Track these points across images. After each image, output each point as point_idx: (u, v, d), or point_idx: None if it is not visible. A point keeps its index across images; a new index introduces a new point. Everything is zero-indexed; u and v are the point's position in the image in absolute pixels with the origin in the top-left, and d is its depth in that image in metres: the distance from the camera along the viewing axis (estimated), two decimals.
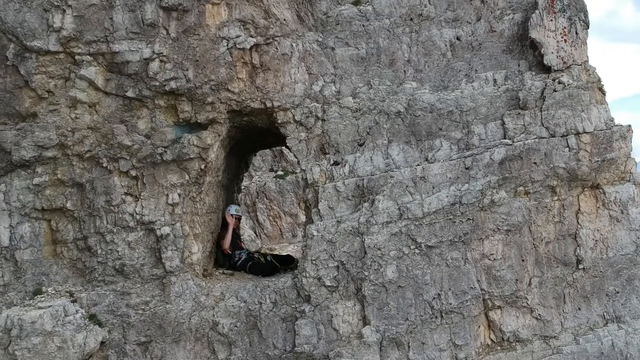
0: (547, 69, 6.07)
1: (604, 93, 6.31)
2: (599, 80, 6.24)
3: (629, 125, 6.20)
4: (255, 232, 12.47)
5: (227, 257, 6.52)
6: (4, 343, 4.83)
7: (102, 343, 5.21)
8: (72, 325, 5.00)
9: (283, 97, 5.80)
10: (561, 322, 5.83)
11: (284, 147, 12.60)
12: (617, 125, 6.11)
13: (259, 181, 12.88)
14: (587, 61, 6.20)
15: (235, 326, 5.46)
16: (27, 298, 5.24)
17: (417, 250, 5.54)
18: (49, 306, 4.98)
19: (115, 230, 5.43)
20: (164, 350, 5.38)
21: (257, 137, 6.68)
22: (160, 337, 5.37)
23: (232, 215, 6.74)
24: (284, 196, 13.05)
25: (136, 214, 5.45)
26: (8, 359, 4.79)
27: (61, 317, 4.98)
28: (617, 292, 5.98)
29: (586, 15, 6.20)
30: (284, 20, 5.90)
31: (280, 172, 13.24)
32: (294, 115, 5.82)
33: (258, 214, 12.96)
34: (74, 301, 5.23)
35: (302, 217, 12.05)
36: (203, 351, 5.46)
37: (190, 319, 5.44)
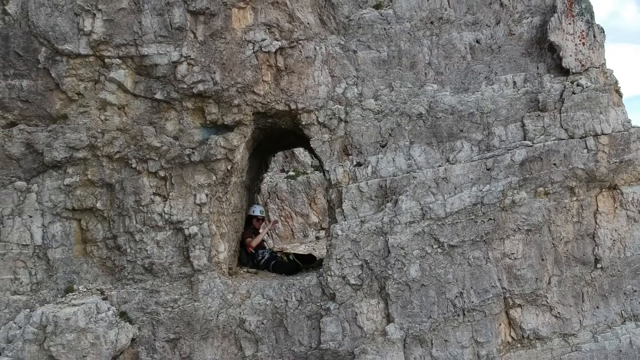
0: (565, 72, 6.18)
1: (620, 95, 6.42)
2: (616, 82, 6.36)
3: None
4: (267, 232, 12.59)
5: (251, 256, 6.65)
6: (39, 339, 4.96)
7: (132, 340, 5.33)
8: (105, 322, 5.12)
9: (307, 100, 5.92)
10: (580, 320, 5.94)
11: (295, 148, 12.81)
12: (634, 127, 6.21)
13: (270, 182, 13.05)
14: (604, 64, 6.31)
15: (262, 323, 5.58)
16: (59, 296, 5.36)
17: (439, 250, 5.66)
18: (82, 303, 5.10)
19: (144, 230, 5.55)
20: (192, 347, 5.50)
21: (278, 138, 6.81)
22: (189, 334, 5.50)
23: (256, 216, 6.88)
24: (295, 196, 13.24)
25: (165, 213, 5.57)
26: (43, 355, 4.91)
27: (94, 314, 5.10)
28: (635, 291, 6.09)
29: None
30: (308, 24, 6.02)
31: (291, 173, 13.43)
32: (317, 117, 5.94)
33: (270, 214, 13.11)
34: (104, 299, 5.35)
35: (314, 218, 12.23)
36: (230, 348, 5.59)
37: (217, 316, 5.56)
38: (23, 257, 5.38)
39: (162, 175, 5.59)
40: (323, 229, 12.01)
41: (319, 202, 12.41)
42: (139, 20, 5.49)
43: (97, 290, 5.45)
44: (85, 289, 5.43)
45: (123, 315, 5.39)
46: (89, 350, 5.03)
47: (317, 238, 12.00)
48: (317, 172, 13.30)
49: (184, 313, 5.50)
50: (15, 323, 5.11)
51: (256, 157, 7.05)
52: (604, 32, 6.33)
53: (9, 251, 5.32)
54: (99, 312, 5.17)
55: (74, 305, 5.09)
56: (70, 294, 5.36)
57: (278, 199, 12.75)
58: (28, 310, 5.19)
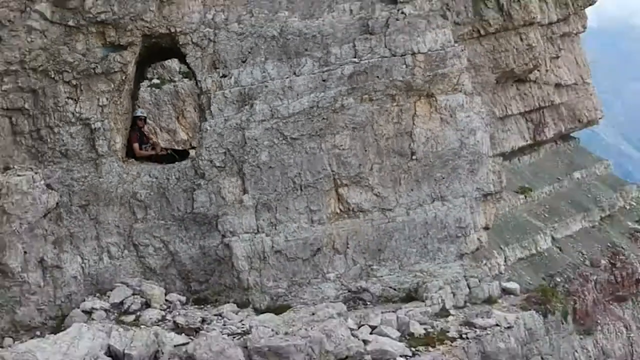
0: (394, 1, 16.92)
1: (446, 18, 17.24)
2: (445, 5, 17.11)
3: (463, 46, 17.19)
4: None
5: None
6: None
7: (57, 204, 16.34)
8: (39, 189, 16.15)
9: (184, 24, 16.79)
10: (397, 199, 17.06)
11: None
12: (452, 47, 17.07)
13: None
14: None
15: (150, 195, 16.68)
16: (1, 173, 16.32)
17: (284, 141, 16.66)
18: (24, 174, 16.08)
19: (60, 125, 16.52)
20: (98, 211, 16.62)
21: (158, 53, 17.73)
22: (95, 201, 16.60)
23: (139, 116, 17.97)
24: (161, 109, 24.55)
25: (76, 112, 16.52)
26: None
27: (32, 183, 16.10)
28: (443, 178, 17.21)
29: None
30: None
31: (155, 81, 24.52)
32: (192, 38, 16.82)
33: None
34: (35, 174, 16.32)
35: (182, 134, 23.57)
36: (126, 213, 16.71)
37: (116, 189, 16.66)
38: None
39: (74, 83, 16.50)
40: (193, 147, 22.69)
41: (188, 115, 23.69)
42: None
43: (29, 168, 16.40)
44: (19, 168, 16.39)
45: (48, 186, 16.39)
46: (29, 207, 16.11)
47: None
48: (186, 79, 24.23)
49: (91, 186, 16.59)
50: None
51: (138, 69, 17.98)
52: None
53: None
54: (35, 182, 16.16)
55: (19, 175, 16.07)
56: (9, 170, 16.32)
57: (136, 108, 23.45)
58: None
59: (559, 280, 23.81)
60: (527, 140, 27.15)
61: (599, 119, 32.35)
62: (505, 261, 21.60)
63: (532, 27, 24.31)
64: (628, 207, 31.30)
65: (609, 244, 27.09)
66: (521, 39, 23.98)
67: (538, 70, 25.86)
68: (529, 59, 24.24)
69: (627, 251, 27.25)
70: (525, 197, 25.69)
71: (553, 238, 25.20)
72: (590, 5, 29.50)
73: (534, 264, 23.84)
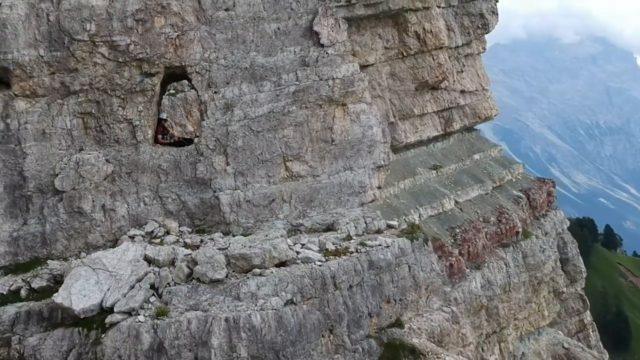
0: (322, 45, 27.21)
1: (355, 55, 27.62)
2: (351, 49, 27.53)
3: (365, 74, 27.51)
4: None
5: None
6: (74, 167, 26.27)
7: (112, 171, 26.71)
8: (101, 162, 26.67)
9: (191, 60, 27.15)
10: (322, 169, 27.57)
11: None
12: (358, 74, 27.50)
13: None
14: (345, 40, 27.45)
15: (169, 166, 27.06)
16: (78, 151, 26.66)
17: (252, 133, 27.05)
18: (92, 153, 26.51)
19: (114, 123, 26.99)
20: (137, 176, 27.11)
21: (174, 76, 28.17)
22: (136, 170, 27.07)
23: (162, 118, 28.47)
24: (176, 110, 35.48)
25: (124, 115, 26.89)
26: (77, 175, 26.23)
27: (97, 158, 26.53)
28: (352, 156, 27.76)
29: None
30: (190, 21, 27.07)
31: (172, 91, 35.18)
32: (195, 69, 27.22)
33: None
34: (99, 154, 26.67)
35: (190, 127, 34.17)
36: (154, 177, 27.22)
37: (149, 162, 27.11)
38: (63, 134, 26.67)
39: (123, 97, 26.89)
40: (197, 136, 33.41)
41: (194, 114, 34.37)
42: (112, 24, 26.43)
43: (95, 150, 26.75)
44: (90, 149, 26.76)
45: (107, 161, 26.76)
46: (95, 173, 26.58)
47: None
48: (193, 90, 35.13)
49: (133, 160, 27.08)
50: (62, 161, 26.45)
51: (161, 87, 28.36)
52: (346, 23, 27.35)
53: (58, 130, 26.61)
54: (99, 158, 26.64)
55: (89, 154, 26.49)
56: (83, 151, 26.68)
57: (161, 112, 34.20)
58: (68, 157, 26.49)
59: (458, 231, 33.93)
60: (439, 131, 37.07)
61: (494, 115, 41.78)
62: (419, 217, 31.85)
63: (442, 50, 34.57)
64: (514, 180, 41.09)
65: (497, 206, 37.14)
66: (433, 59, 34.26)
67: (447, 81, 35.93)
68: (439, 73, 34.47)
69: (510, 211, 37.32)
70: (437, 172, 35.82)
71: (456, 201, 35.30)
72: (486, 33, 39.41)
73: (440, 219, 34.03)
